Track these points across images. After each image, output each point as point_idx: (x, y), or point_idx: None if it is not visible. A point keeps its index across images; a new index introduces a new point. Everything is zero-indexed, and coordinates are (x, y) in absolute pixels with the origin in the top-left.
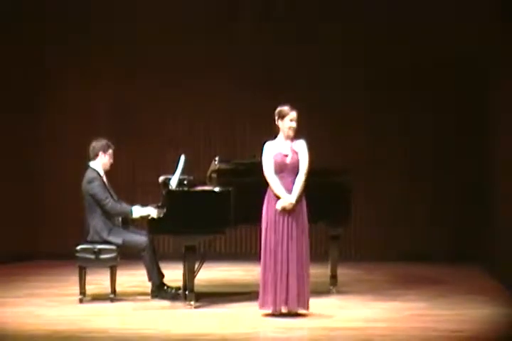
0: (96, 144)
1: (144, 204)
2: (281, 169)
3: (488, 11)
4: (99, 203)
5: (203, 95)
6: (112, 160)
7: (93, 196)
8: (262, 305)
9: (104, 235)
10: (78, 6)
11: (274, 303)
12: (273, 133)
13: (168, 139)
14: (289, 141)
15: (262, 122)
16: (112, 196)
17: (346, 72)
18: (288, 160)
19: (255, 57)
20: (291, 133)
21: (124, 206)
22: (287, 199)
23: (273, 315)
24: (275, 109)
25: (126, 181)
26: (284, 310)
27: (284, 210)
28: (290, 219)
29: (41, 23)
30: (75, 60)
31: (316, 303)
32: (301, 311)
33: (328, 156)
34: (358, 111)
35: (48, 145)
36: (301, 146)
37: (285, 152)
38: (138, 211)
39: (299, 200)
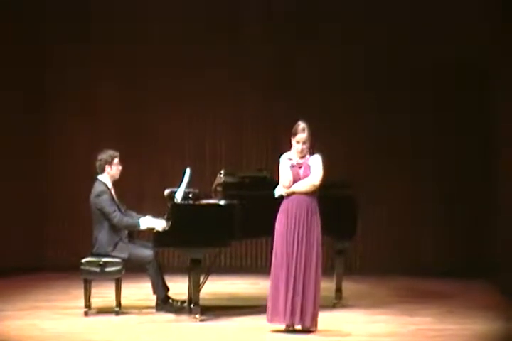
0: (101, 158)
1: (154, 216)
2: (294, 181)
3: (487, 11)
4: (106, 216)
5: (211, 108)
6: (120, 168)
7: (101, 210)
8: (271, 320)
9: (109, 250)
10: (79, 7)
11: (285, 318)
12: (278, 148)
13: (175, 152)
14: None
15: (270, 137)
16: (119, 209)
17: (346, 72)
18: (301, 172)
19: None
20: (298, 155)
21: (131, 219)
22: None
23: (280, 330)
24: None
25: (134, 194)
26: (293, 325)
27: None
28: (302, 233)
29: (42, 24)
30: (76, 71)
31: (321, 317)
32: (309, 328)
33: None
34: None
35: (56, 161)
36: (316, 159)
37: (299, 164)
38: (145, 223)
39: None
